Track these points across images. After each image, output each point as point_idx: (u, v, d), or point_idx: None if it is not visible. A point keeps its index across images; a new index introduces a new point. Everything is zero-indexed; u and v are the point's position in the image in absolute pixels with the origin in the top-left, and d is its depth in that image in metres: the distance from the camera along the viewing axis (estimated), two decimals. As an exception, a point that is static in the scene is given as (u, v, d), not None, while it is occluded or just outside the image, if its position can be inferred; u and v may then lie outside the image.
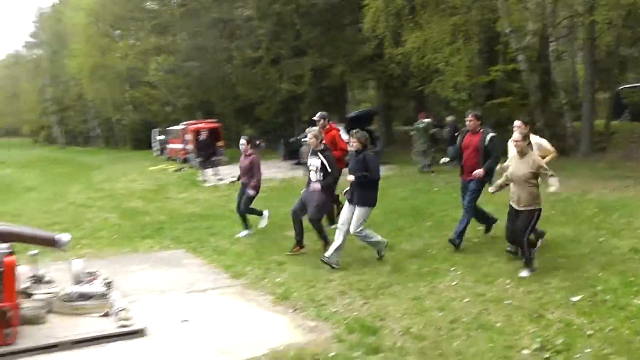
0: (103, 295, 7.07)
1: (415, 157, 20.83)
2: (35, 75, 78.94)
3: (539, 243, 8.43)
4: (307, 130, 11.30)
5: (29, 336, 6.15)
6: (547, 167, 7.69)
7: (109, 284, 7.46)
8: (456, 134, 11.88)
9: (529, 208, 7.67)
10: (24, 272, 7.65)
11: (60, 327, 6.39)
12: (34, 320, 6.47)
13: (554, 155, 8.95)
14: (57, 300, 7.00)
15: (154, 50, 41.91)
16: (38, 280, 7.70)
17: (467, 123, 9.36)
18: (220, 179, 21.18)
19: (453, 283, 7.48)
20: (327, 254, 8.51)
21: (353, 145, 8.78)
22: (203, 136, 23.39)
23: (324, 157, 9.36)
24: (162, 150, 37.68)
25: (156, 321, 6.57)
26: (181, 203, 16.76)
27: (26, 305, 6.64)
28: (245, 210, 11.19)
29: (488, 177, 8.98)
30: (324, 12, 29.05)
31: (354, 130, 9.14)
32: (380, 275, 7.99)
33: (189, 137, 29.20)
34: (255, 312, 6.74)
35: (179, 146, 31.92)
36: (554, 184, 7.54)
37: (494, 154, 8.97)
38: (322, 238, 9.52)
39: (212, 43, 35.23)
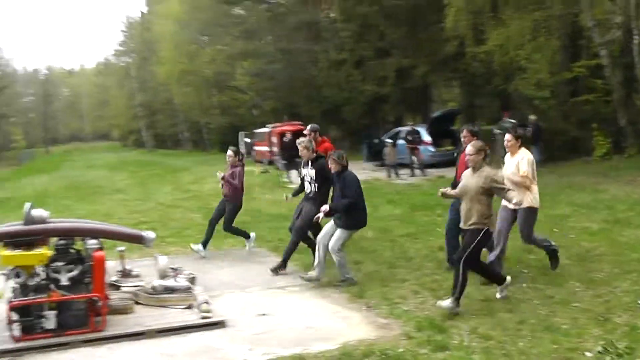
0: (187, 289, 7.59)
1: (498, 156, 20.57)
2: (125, 82, 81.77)
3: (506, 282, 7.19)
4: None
5: (117, 324, 6.69)
6: (502, 182, 6.97)
7: (192, 279, 8.00)
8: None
9: (474, 227, 6.85)
10: (113, 266, 8.29)
11: (146, 317, 6.90)
12: (122, 310, 7.05)
13: (518, 180, 7.64)
14: (144, 293, 7.57)
15: (241, 54, 42.76)
16: (126, 274, 8.39)
17: (462, 140, 8.40)
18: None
19: (524, 285, 7.54)
20: (310, 272, 8.26)
21: (331, 167, 8.37)
22: (288, 138, 23.84)
23: (318, 166, 9.03)
24: (249, 152, 38.50)
25: (236, 314, 7.00)
26: (265, 204, 17.22)
27: (115, 297, 7.27)
28: (229, 227, 10.62)
29: None
30: (407, 12, 29.13)
31: (330, 152, 8.63)
32: (453, 277, 8.10)
33: (274, 139, 29.80)
34: (331, 309, 7.03)
35: (265, 148, 32.58)
36: (514, 197, 6.88)
37: None
38: (288, 251, 9.09)
39: (298, 46, 35.78)
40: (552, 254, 8.07)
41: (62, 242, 6.82)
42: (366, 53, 31.28)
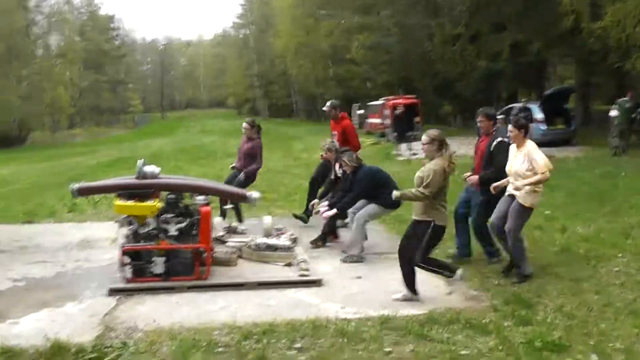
0: (288, 249, 8.13)
1: (611, 137, 19.93)
2: (242, 53, 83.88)
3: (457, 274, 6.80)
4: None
5: (221, 275, 7.33)
6: (420, 183, 6.42)
7: (294, 240, 8.60)
8: None
9: (419, 218, 6.59)
10: (220, 222, 8.90)
11: (247, 271, 7.48)
12: (225, 263, 7.70)
13: (540, 178, 7.02)
14: (247, 249, 8.15)
15: (358, 28, 42.91)
16: (232, 230, 9.14)
17: (478, 124, 8.06)
18: (414, 154, 21.72)
19: (615, 269, 7.51)
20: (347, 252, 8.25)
21: (345, 169, 8.37)
22: (400, 111, 23.99)
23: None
24: (361, 124, 38.78)
25: (333, 276, 7.45)
26: (373, 174, 17.52)
27: (220, 250, 7.92)
28: None
29: (484, 187, 7.65)
30: (524, -16, 28.40)
31: (341, 152, 8.46)
32: (548, 256, 8.22)
33: (387, 112, 29.97)
34: (426, 278, 7.14)
35: (377, 121, 32.87)
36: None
37: (495, 162, 7.58)
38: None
39: (414, 20, 35.58)
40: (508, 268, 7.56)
41: (171, 196, 7.49)
42: (481, 28, 30.74)
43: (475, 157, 8.11)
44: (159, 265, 7.06)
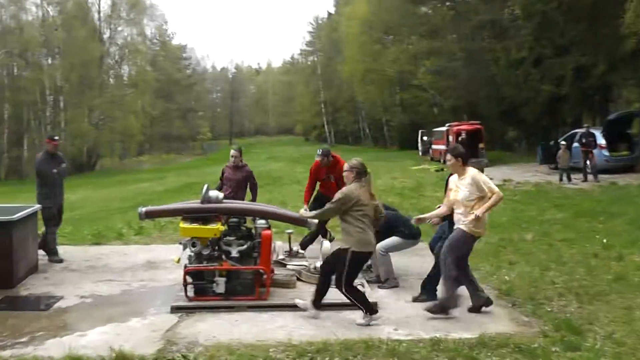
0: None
1: None
2: (310, 80, 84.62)
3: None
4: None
5: (280, 296, 7.62)
6: (332, 200, 6.88)
7: None
8: None
9: (341, 246, 6.86)
10: (280, 246, 9.21)
11: (305, 293, 7.63)
12: (285, 285, 7.99)
13: (496, 199, 6.89)
14: (306, 272, 8.42)
15: (424, 53, 43.15)
16: (292, 254, 9.50)
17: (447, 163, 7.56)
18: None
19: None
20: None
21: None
22: (464, 137, 23.92)
23: None
24: (427, 150, 38.77)
25: (389, 299, 7.68)
26: (434, 201, 17.44)
27: (280, 272, 8.23)
28: None
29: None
30: (587, 7, 28.14)
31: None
32: (601, 283, 8.21)
33: (451, 138, 30.00)
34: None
35: (442, 147, 32.84)
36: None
37: None
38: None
39: (480, 45, 35.65)
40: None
41: (234, 220, 7.84)
42: (545, 51, 30.56)
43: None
44: (220, 285, 7.42)
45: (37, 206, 9.69)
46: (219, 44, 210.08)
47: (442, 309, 6.97)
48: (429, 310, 6.99)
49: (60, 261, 10.05)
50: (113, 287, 8.48)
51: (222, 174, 10.43)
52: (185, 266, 7.55)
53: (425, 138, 40.95)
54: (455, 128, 29.51)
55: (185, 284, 7.46)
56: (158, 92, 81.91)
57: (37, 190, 10.20)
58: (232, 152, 10.42)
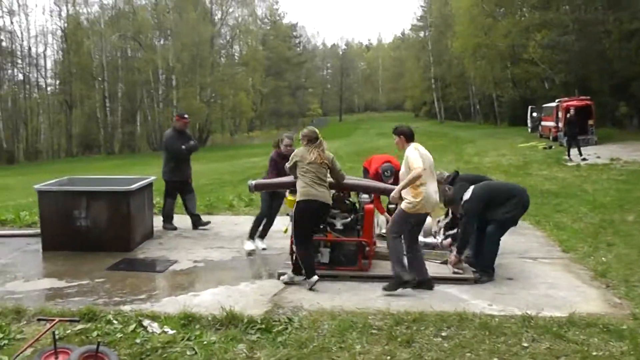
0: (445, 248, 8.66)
1: None
2: (420, 55, 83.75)
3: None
4: None
5: (382, 268, 7.89)
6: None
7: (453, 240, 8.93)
8: None
9: None
10: (383, 221, 9.54)
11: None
12: (387, 257, 8.06)
13: (411, 176, 6.91)
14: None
15: (536, 26, 42.07)
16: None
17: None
18: (584, 159, 21.24)
19: None
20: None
21: None
22: (572, 114, 23.40)
23: None
24: (536, 127, 37.96)
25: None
26: (539, 179, 17.41)
27: (383, 245, 8.46)
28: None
29: None
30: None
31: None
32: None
33: (560, 114, 29.32)
34: (572, 283, 7.45)
35: (551, 123, 32.13)
36: None
37: None
38: None
39: (592, 16, 34.49)
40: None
41: (339, 194, 8.19)
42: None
43: None
44: (325, 255, 7.83)
45: (152, 178, 10.49)
46: (330, 21, 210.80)
47: (395, 286, 7.13)
48: (385, 289, 7.15)
49: (174, 229, 10.77)
50: (224, 254, 9.08)
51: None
52: (291, 237, 7.90)
53: (534, 114, 40.00)
54: (565, 104, 28.65)
55: (292, 252, 7.84)
56: (268, 69, 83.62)
57: (164, 164, 10.95)
58: (286, 140, 9.31)
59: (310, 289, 7.21)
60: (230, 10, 73.78)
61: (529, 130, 40.33)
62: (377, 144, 35.98)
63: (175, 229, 10.83)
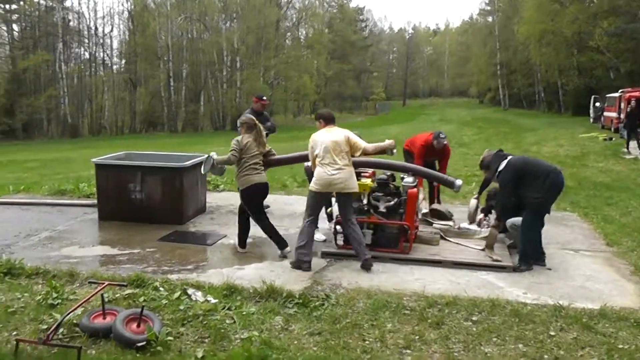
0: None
1: None
2: (487, 41, 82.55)
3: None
4: None
5: (422, 251, 8.13)
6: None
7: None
8: None
9: None
10: (426, 205, 9.71)
11: (447, 251, 8.19)
12: (428, 242, 8.49)
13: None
14: (450, 232, 8.92)
15: (604, 13, 41.17)
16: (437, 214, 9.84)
17: None
18: (644, 153, 20.86)
19: None
20: None
21: None
22: (633, 105, 22.86)
23: None
24: (598, 117, 37.16)
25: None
26: (594, 171, 17.17)
27: (424, 230, 8.75)
28: None
29: None
30: None
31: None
32: None
33: (623, 105, 28.68)
34: (611, 276, 7.44)
35: (613, 114, 31.41)
36: None
37: None
38: None
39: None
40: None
41: (382, 177, 8.45)
42: None
43: None
44: (367, 236, 8.03)
45: (206, 155, 10.83)
46: (398, 5, 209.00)
47: (296, 264, 7.60)
48: (291, 264, 7.67)
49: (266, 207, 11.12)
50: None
51: None
52: (337, 217, 8.21)
53: (597, 104, 39.06)
54: (627, 95, 27.98)
55: (336, 232, 8.17)
56: (333, 53, 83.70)
57: None
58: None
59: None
60: (298, -7, 74.24)
61: (591, 120, 39.47)
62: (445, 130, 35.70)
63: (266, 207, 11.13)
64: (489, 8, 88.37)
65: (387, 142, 7.79)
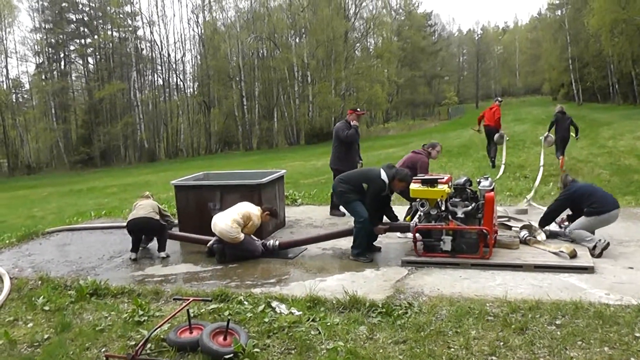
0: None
1: None
2: (557, 35, 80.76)
3: None
4: None
5: (502, 256, 8.07)
6: None
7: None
8: None
9: None
10: (502, 210, 9.62)
11: (526, 255, 8.09)
12: (508, 246, 8.44)
13: None
14: (530, 235, 8.78)
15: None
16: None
17: None
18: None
19: None
20: None
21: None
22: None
23: None
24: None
25: (605, 264, 7.72)
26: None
27: (504, 234, 8.71)
28: None
29: None
30: None
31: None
32: None
33: None
34: None
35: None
36: None
37: None
38: None
39: None
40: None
41: (459, 182, 8.44)
42: None
43: None
44: (447, 243, 8.06)
45: (283, 171, 11.14)
46: (465, 6, 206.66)
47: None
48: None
49: (343, 215, 11.39)
50: (351, 242, 9.34)
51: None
52: (416, 225, 8.26)
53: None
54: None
55: (415, 240, 8.22)
56: (403, 60, 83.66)
57: (332, 153, 11.80)
58: (438, 147, 11.02)
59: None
60: (364, 3, 74.14)
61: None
62: (513, 130, 35.20)
63: (343, 215, 11.38)
64: (557, 2, 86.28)
65: None
